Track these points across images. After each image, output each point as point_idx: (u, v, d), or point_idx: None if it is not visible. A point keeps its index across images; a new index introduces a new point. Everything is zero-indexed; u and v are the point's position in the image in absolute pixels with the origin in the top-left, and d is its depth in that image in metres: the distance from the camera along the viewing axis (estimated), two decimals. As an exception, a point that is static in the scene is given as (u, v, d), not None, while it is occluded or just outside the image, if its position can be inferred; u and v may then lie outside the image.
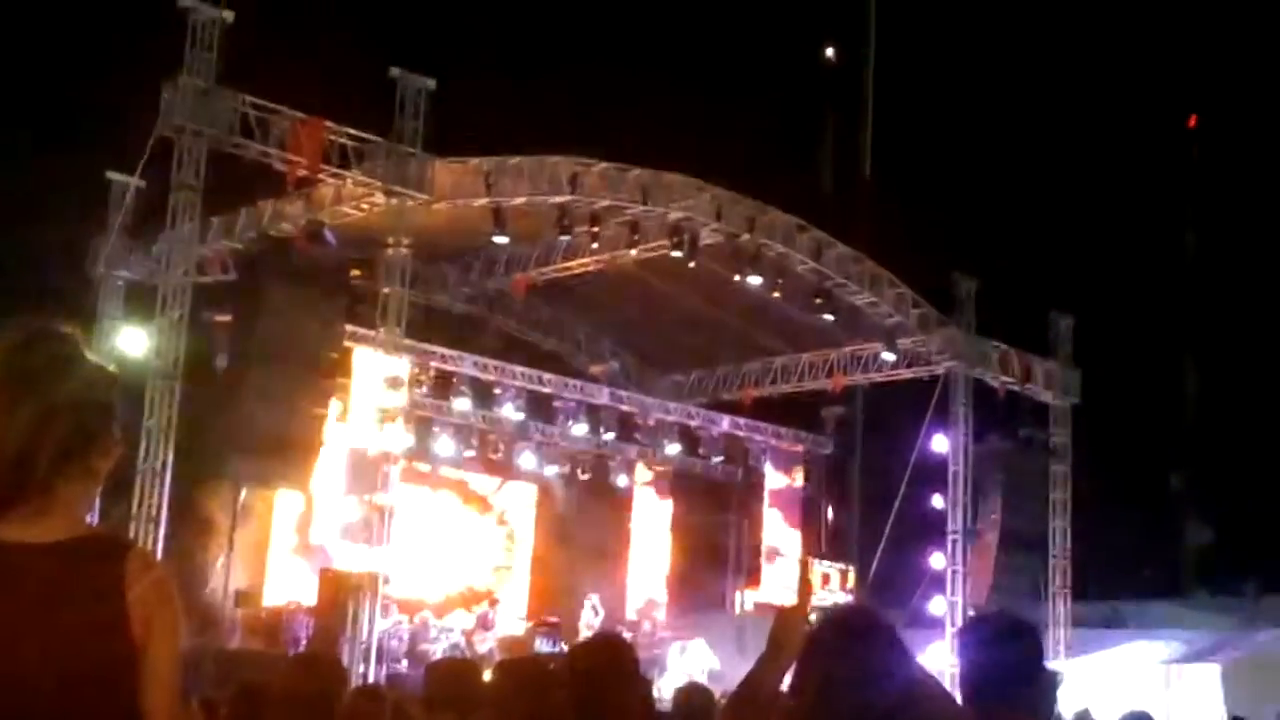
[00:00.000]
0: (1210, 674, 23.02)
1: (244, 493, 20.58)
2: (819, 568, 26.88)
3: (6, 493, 2.60)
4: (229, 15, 17.49)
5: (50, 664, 2.56)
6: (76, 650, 2.58)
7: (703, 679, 22.94)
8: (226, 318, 19.15)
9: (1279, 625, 25.83)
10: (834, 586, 26.45)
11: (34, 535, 2.62)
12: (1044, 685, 4.06)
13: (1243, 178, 34.81)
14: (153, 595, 2.66)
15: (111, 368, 2.78)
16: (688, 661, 23.91)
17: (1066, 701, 17.57)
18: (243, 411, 17.98)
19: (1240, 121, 35.41)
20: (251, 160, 18.03)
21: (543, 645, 22.70)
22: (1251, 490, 31.51)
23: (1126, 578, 30.07)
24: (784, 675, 3.48)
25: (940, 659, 21.03)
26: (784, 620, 3.59)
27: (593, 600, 25.06)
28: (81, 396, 2.69)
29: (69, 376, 2.68)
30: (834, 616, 3.61)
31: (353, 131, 18.59)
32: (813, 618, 3.67)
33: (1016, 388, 25.08)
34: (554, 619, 23.96)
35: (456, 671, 5.99)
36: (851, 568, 26.84)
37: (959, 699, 3.84)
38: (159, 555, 15.22)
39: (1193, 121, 38.04)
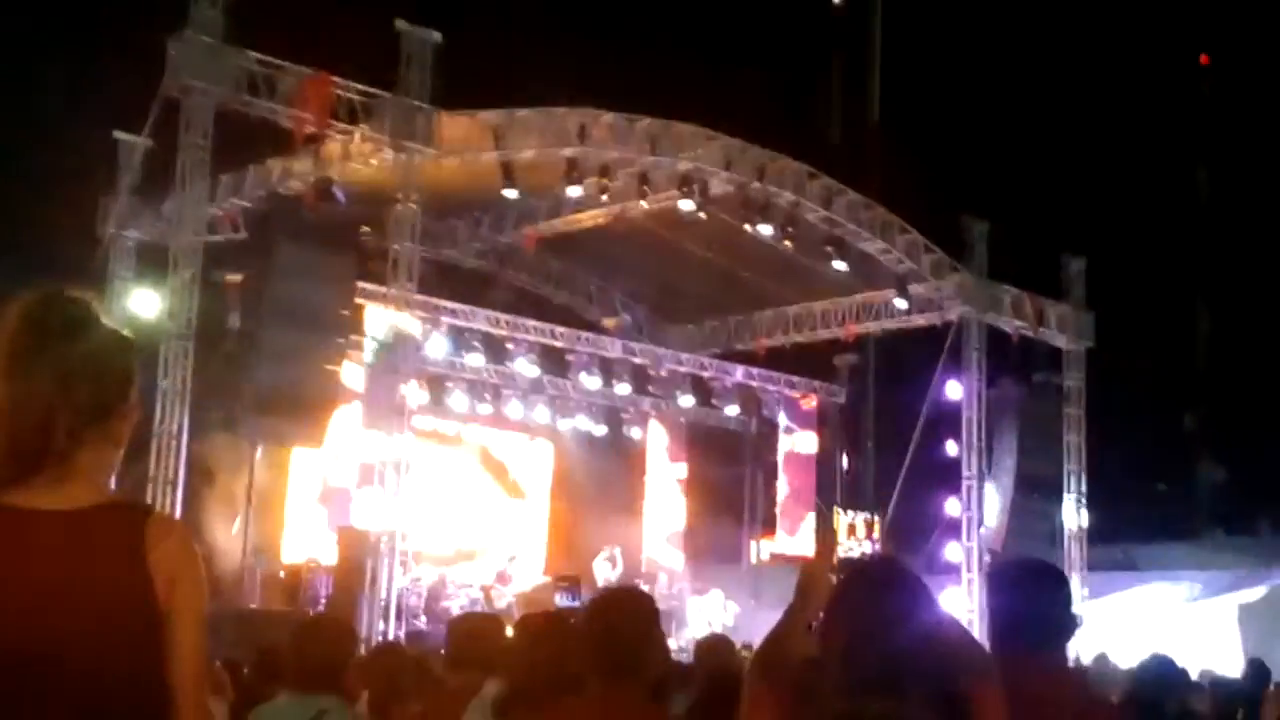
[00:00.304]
0: (1227, 613, 23.09)
1: (260, 451, 20.64)
2: (842, 518, 26.94)
3: (28, 460, 2.60)
4: (232, -30, 17.39)
5: (76, 630, 2.56)
6: (102, 615, 2.58)
7: (720, 631, 23.09)
8: (238, 277, 19.15)
9: (1295, 564, 25.90)
10: (859, 535, 26.51)
11: (56, 502, 2.61)
12: (1071, 631, 4.07)
13: (1255, 116, 34.58)
14: (175, 557, 2.66)
15: (126, 332, 2.77)
16: (705, 613, 24.00)
17: (1084, 645, 17.65)
18: (256, 370, 18.01)
19: (1252, 59, 35.13)
20: (259, 118, 17.95)
21: (561, 600, 22.73)
22: (1265, 430, 31.49)
23: (1142, 520, 30.10)
24: (811, 626, 3.48)
25: (957, 605, 21.10)
26: (809, 571, 3.59)
27: (610, 553, 25.12)
28: (99, 362, 2.67)
29: (86, 341, 2.66)
30: (859, 567, 3.61)
31: (360, 86, 18.50)
32: (836, 568, 3.66)
33: (1029, 332, 25.03)
34: (572, 573, 24.02)
35: (478, 627, 6.01)
36: (875, 515, 26.87)
37: (985, 643, 3.84)
38: (177, 517, 15.26)
39: (1204, 59, 37.78)
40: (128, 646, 2.60)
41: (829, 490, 28.10)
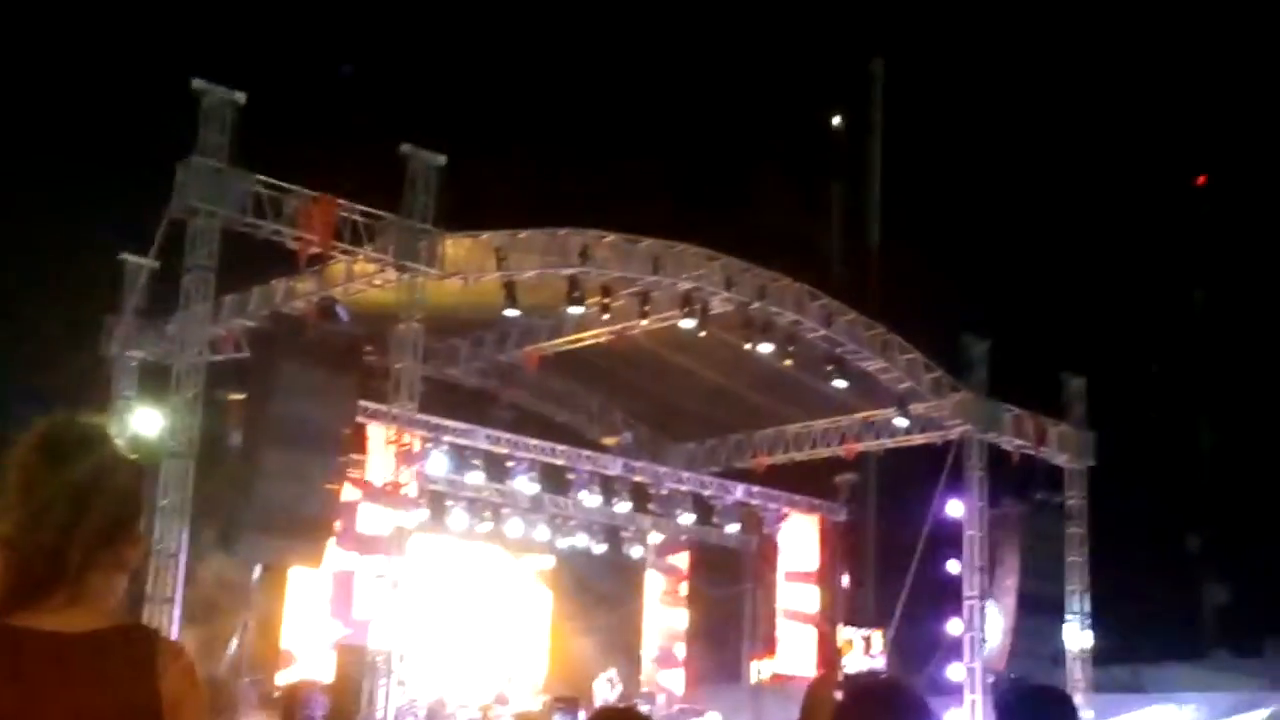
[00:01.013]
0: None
1: (258, 571, 20.55)
2: (844, 634, 26.75)
3: (41, 583, 2.64)
4: (241, 97, 17.66)
5: None
6: None
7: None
8: (240, 396, 19.21)
9: (1302, 686, 25.63)
10: (858, 652, 26.29)
11: (68, 625, 2.65)
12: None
13: (1251, 236, 34.88)
14: (182, 683, 2.70)
15: (134, 456, 2.82)
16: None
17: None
18: (256, 489, 17.98)
19: (1248, 180, 35.53)
20: (264, 239, 18.14)
21: (560, 720, 22.57)
22: (1270, 549, 31.32)
23: (1146, 640, 29.84)
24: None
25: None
26: (815, 692, 3.59)
27: (609, 674, 24.89)
28: (113, 486, 2.73)
29: (99, 466, 2.72)
30: (863, 686, 3.61)
31: (363, 208, 18.71)
32: (841, 686, 3.66)
33: (1031, 451, 25.05)
34: (570, 694, 23.79)
35: None
36: (876, 633, 26.66)
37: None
38: (173, 636, 15.18)
39: (1201, 180, 38.19)
40: None
41: (830, 609, 27.93)
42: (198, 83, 17.56)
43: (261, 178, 17.87)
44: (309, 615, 23.12)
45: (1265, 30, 33.09)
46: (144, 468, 2.83)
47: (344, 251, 18.76)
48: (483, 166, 24.37)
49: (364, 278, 19.48)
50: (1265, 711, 23.12)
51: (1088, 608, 24.94)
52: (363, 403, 20.37)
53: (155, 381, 20.01)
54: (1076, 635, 24.87)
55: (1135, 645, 28.80)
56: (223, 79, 17.75)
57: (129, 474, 2.79)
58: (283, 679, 22.04)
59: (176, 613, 16.80)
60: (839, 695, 3.56)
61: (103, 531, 2.69)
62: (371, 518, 20.26)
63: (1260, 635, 30.54)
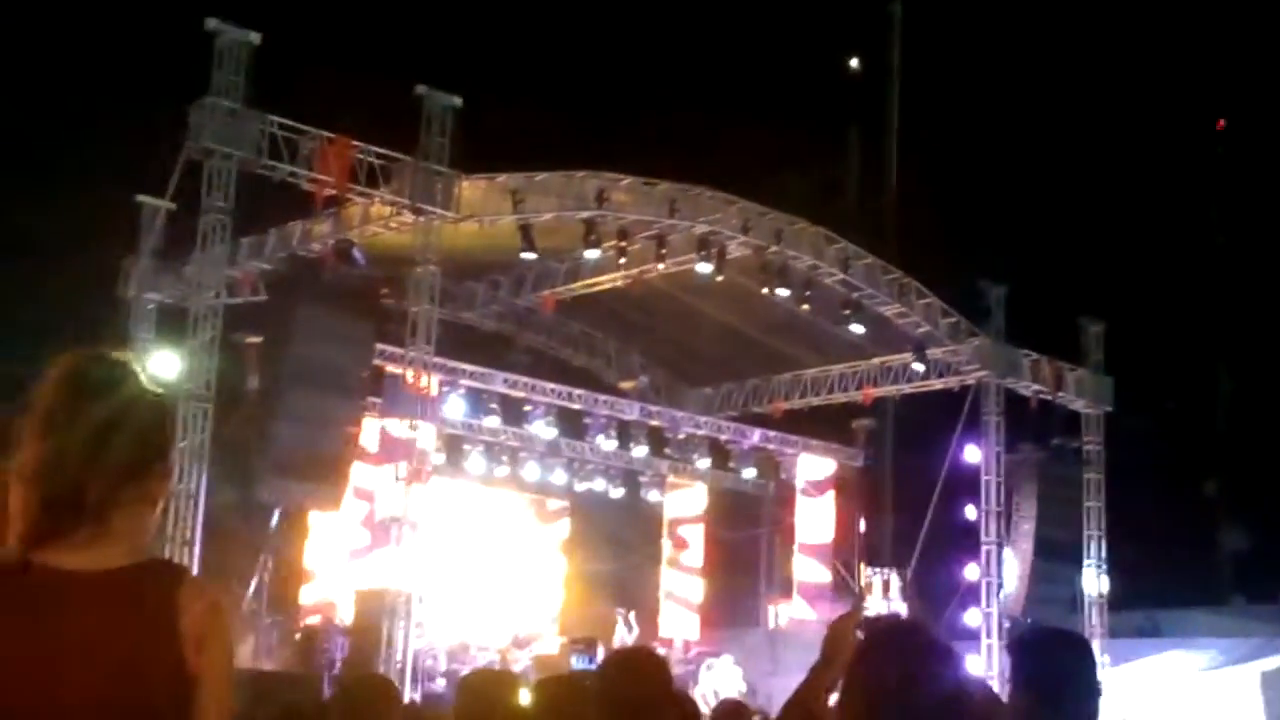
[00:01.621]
0: (1250, 681, 22.86)
1: (277, 513, 20.63)
2: (863, 575, 26.83)
3: (62, 517, 2.60)
4: (256, 37, 17.57)
5: (107, 693, 2.55)
6: (132, 678, 2.57)
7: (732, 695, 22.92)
8: (257, 339, 19.22)
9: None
10: (877, 595, 26.39)
11: (90, 562, 2.61)
12: (1096, 699, 4.03)
13: (1271, 180, 34.60)
14: (206, 622, 2.65)
15: (161, 392, 2.79)
16: (715, 678, 23.81)
17: (1107, 713, 17.48)
18: (274, 432, 18.03)
19: (1268, 124, 35.20)
20: (280, 181, 18.09)
21: (577, 662, 22.65)
22: (1287, 495, 31.29)
23: (1162, 586, 29.86)
24: (833, 690, 3.45)
25: (977, 672, 20.89)
26: (836, 631, 3.56)
27: (627, 616, 25.01)
28: (135, 421, 2.68)
29: (122, 400, 2.67)
30: (882, 627, 3.58)
31: (380, 150, 18.63)
32: (860, 626, 3.63)
33: (1048, 396, 24.98)
34: (589, 636, 23.91)
35: (487, 686, 5.88)
36: (894, 575, 26.75)
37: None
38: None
39: (1220, 124, 37.87)
40: (158, 709, 2.59)
41: (847, 554, 27.98)
42: (212, 22, 17.47)
43: (277, 119, 17.80)
44: (329, 558, 23.26)
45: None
46: (168, 402, 2.78)
47: (360, 194, 18.71)
48: (499, 109, 24.26)
49: (380, 220, 19.43)
50: (1281, 657, 23.15)
51: (1104, 553, 24.93)
52: (379, 346, 20.38)
53: (172, 324, 20.02)
54: (1093, 580, 24.88)
55: (1151, 591, 28.81)
56: (237, 19, 17.66)
57: (154, 409, 2.74)
58: (303, 621, 22.20)
59: (196, 553, 16.90)
60: (860, 635, 3.53)
61: (127, 467, 2.65)
62: (390, 460, 20.30)
63: (1276, 581, 30.53)
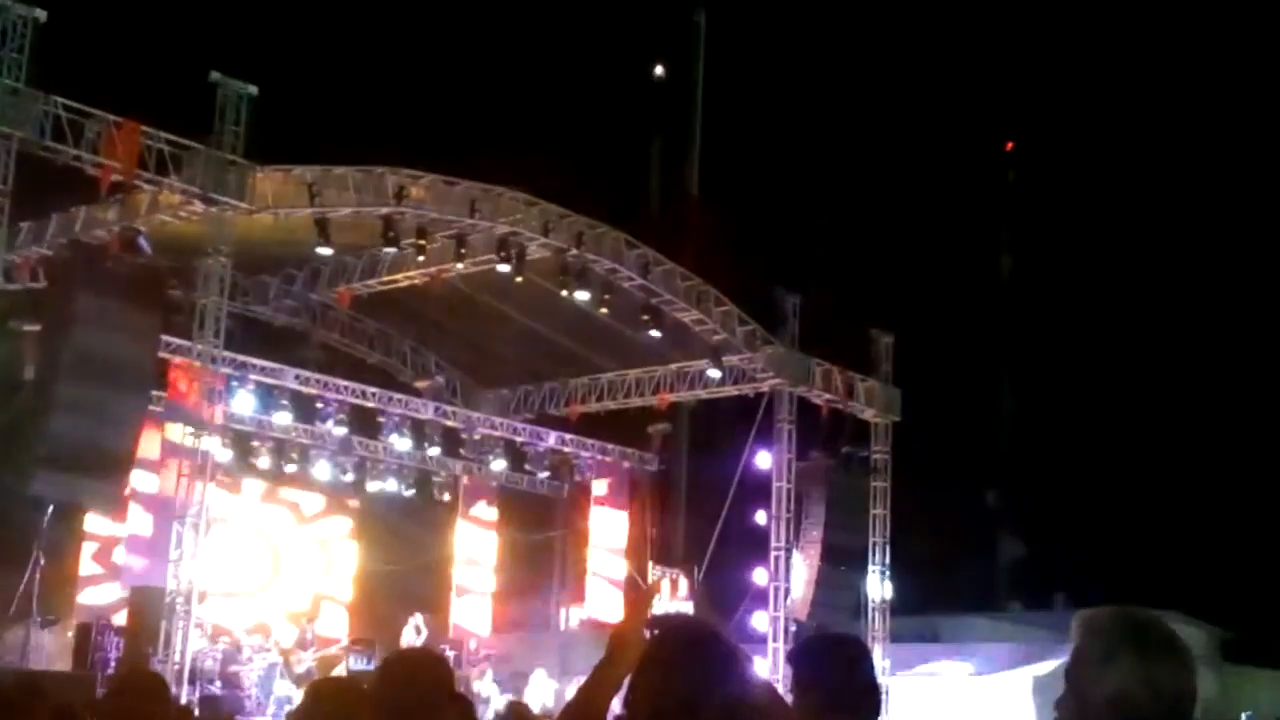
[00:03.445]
0: (1023, 686, 23.60)
1: (51, 509, 19.82)
2: (652, 574, 26.97)
3: None
4: (42, 14, 16.86)
5: None
6: None
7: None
8: (35, 327, 18.43)
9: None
10: (666, 594, 26.53)
11: None
12: (875, 703, 4.04)
13: (1056, 202, 35.91)
14: None
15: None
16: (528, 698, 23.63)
17: (886, 717, 17.83)
18: (50, 424, 17.29)
19: (1054, 147, 36.53)
20: (63, 164, 17.38)
21: (355, 663, 22.35)
22: (1062, 506, 32.48)
23: (944, 593, 30.71)
24: (618, 688, 3.38)
25: (763, 675, 21.12)
26: (621, 631, 3.49)
27: (416, 620, 24.70)
28: None
29: None
30: (670, 626, 3.52)
31: (171, 137, 18.03)
32: (650, 624, 3.56)
33: (839, 405, 25.43)
34: (369, 639, 23.60)
35: (338, 695, 5.54)
36: (684, 574, 26.96)
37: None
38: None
39: (1009, 146, 39.16)
40: None
41: (640, 557, 28.11)
42: (-7, -2, 16.73)
43: (61, 100, 17.10)
44: (105, 555, 22.50)
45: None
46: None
47: (149, 181, 18.07)
48: (298, 100, 23.79)
49: (169, 209, 18.81)
50: (1054, 662, 23.89)
51: (889, 560, 25.47)
52: (166, 338, 19.75)
53: (-56, 310, 19.11)
54: (877, 586, 25.40)
55: (933, 597, 29.61)
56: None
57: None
58: (76, 619, 21.40)
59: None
60: (648, 633, 3.46)
61: None
62: (172, 457, 19.69)
63: (1051, 589, 31.64)
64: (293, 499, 26.71)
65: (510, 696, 21.54)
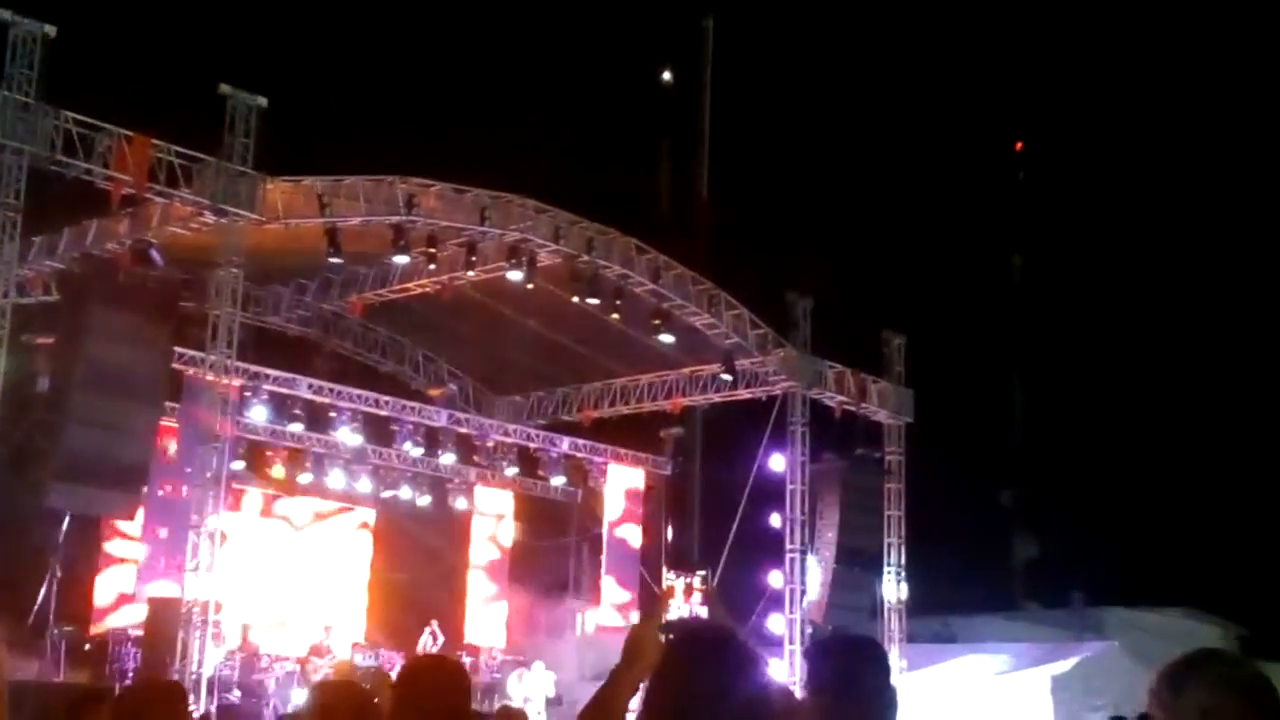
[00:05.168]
0: (1041, 684, 23.55)
1: (68, 520, 19.90)
2: (666, 579, 26.98)
3: None
4: (51, 30, 16.94)
5: None
6: None
7: (541, 704, 22.87)
8: (49, 340, 18.50)
9: (1103, 635, 26.55)
10: (680, 598, 26.55)
11: None
12: (892, 705, 4.05)
13: (1068, 202, 35.85)
14: None
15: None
16: (526, 687, 23.69)
17: (902, 718, 17.81)
18: (65, 436, 17.35)
19: (1065, 147, 36.48)
20: (75, 179, 17.45)
21: (362, 660, 22.51)
22: (1077, 506, 32.40)
23: (959, 593, 30.65)
24: (636, 691, 3.39)
25: (780, 677, 21.13)
26: (637, 635, 3.50)
27: (432, 626, 24.74)
28: None
29: None
30: (687, 630, 3.53)
31: (181, 149, 18.10)
32: (665, 629, 3.58)
33: (852, 407, 25.42)
34: (386, 645, 23.66)
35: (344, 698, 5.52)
36: (699, 578, 26.95)
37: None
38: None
39: (1019, 146, 39.11)
40: None
41: (655, 561, 28.12)
42: (3, 13, 16.80)
43: (72, 115, 17.18)
44: (123, 566, 22.56)
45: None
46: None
47: (159, 194, 18.14)
48: (307, 111, 23.85)
49: (180, 221, 18.88)
50: (1070, 661, 23.87)
51: (904, 561, 25.44)
52: (179, 349, 19.81)
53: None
54: (892, 587, 25.38)
55: (949, 597, 29.55)
56: (33, 10, 17.00)
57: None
58: (94, 631, 21.48)
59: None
60: (664, 638, 3.48)
61: None
62: (188, 467, 19.74)
63: (1066, 588, 31.58)
64: (306, 508, 26.75)
65: (509, 701, 21.66)
